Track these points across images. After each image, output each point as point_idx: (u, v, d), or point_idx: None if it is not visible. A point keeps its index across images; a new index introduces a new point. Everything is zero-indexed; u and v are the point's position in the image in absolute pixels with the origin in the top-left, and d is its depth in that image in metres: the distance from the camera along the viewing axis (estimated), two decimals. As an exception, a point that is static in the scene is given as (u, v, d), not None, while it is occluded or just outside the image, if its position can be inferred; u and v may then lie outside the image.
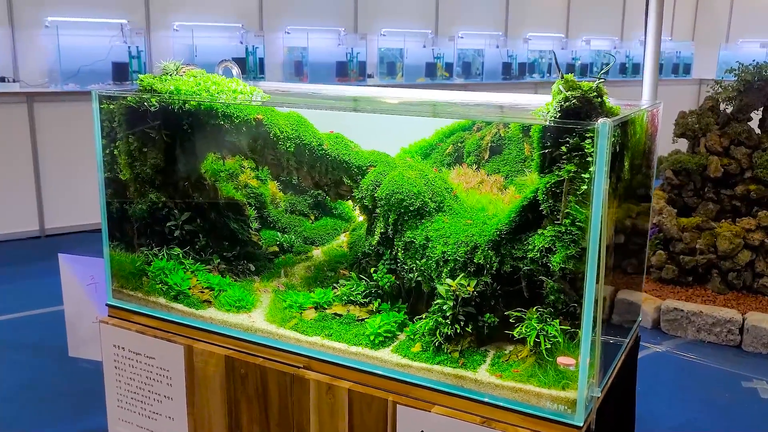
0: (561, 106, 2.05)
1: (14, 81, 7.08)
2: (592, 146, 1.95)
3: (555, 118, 2.06)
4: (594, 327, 2.03)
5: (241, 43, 8.59)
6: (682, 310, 5.13)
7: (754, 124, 5.97)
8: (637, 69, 13.26)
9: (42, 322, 5.16)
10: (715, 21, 13.85)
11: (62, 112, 7.26)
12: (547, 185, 2.09)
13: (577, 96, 2.04)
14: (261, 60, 8.77)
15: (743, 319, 4.97)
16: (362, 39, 9.69)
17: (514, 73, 11.39)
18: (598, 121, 1.94)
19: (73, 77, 7.42)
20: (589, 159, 1.97)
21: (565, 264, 2.06)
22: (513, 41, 11.55)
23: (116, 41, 7.65)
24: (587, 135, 1.97)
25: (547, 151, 2.09)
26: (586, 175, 1.98)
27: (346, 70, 9.55)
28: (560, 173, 2.04)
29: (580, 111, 2.05)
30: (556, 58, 2.37)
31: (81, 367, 4.02)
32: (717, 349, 4.95)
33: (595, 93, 2.07)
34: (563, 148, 2.02)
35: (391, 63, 10.21)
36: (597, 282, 2.00)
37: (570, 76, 2.09)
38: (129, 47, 7.69)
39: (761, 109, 5.91)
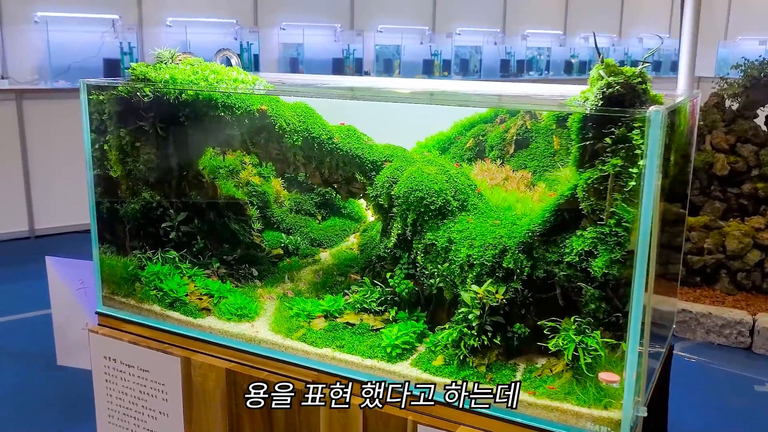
0: (603, 93, 1.86)
1: (3, 78, 6.99)
2: (641, 137, 1.76)
3: (596, 106, 1.86)
4: (641, 339, 1.83)
5: (236, 39, 8.55)
6: (691, 312, 5.04)
7: (760, 120, 5.93)
8: (635, 66, 13.16)
9: (30, 326, 5.06)
10: (713, 18, 13.82)
11: (52, 110, 7.18)
12: (588, 181, 1.90)
13: (620, 82, 1.86)
14: (256, 56, 8.74)
15: (753, 321, 4.89)
16: (359, 35, 9.64)
17: (513, 71, 11.37)
18: (650, 109, 1.74)
19: (64, 74, 7.31)
20: (638, 152, 1.77)
21: (609, 269, 1.87)
22: (511, 38, 11.54)
23: (108, 37, 7.58)
24: (635, 125, 1.77)
25: (587, 143, 1.89)
26: (635, 170, 1.79)
27: (342, 67, 9.49)
28: (604, 168, 1.85)
29: (624, 98, 1.86)
30: (596, 40, 2.17)
31: (70, 374, 3.90)
32: (727, 352, 4.87)
33: (639, 79, 1.87)
34: (607, 140, 1.82)
35: (388, 60, 10.16)
36: (646, 289, 1.80)
37: (611, 60, 1.90)
38: (121, 43, 7.62)
39: (768, 105, 5.82)
